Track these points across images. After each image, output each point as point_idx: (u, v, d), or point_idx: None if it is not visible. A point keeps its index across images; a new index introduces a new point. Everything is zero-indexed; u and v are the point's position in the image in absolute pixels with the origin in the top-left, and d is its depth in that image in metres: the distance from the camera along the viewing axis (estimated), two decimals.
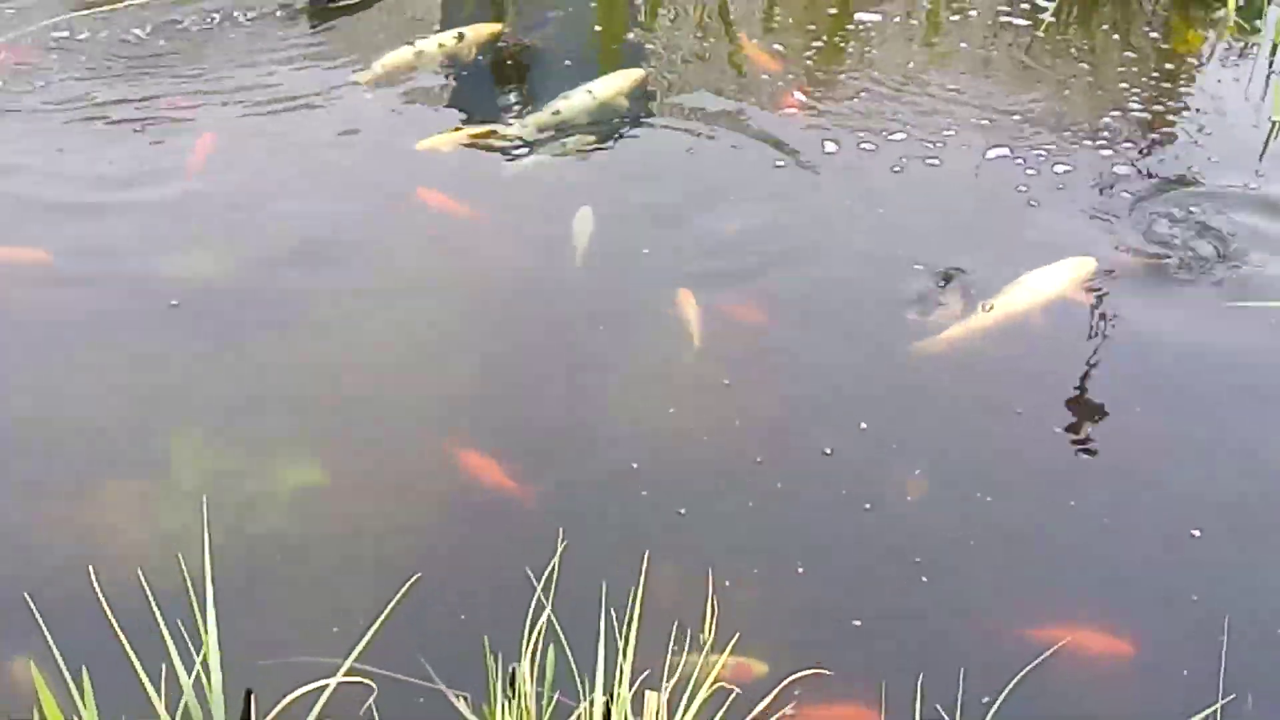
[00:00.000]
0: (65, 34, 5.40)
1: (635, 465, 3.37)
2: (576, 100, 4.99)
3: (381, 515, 3.25)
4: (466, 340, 3.87)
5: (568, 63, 5.41)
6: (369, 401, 3.62)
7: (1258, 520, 3.27)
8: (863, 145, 4.74)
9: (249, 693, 2.66)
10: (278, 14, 5.66)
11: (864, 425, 3.49)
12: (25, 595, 2.67)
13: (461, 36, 5.50)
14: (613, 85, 5.11)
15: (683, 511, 3.24)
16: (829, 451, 3.41)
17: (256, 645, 2.82)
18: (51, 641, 2.45)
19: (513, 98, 5.20)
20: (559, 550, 2.77)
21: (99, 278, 4.01)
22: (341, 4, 5.77)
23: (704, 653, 2.63)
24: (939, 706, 2.66)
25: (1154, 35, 5.66)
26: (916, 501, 3.28)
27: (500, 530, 3.20)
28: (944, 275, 4.04)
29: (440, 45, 5.45)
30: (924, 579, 3.08)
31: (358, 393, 3.65)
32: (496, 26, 5.68)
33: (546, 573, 2.68)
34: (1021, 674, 2.71)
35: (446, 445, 3.43)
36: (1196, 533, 3.19)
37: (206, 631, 2.50)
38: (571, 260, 4.16)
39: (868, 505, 3.27)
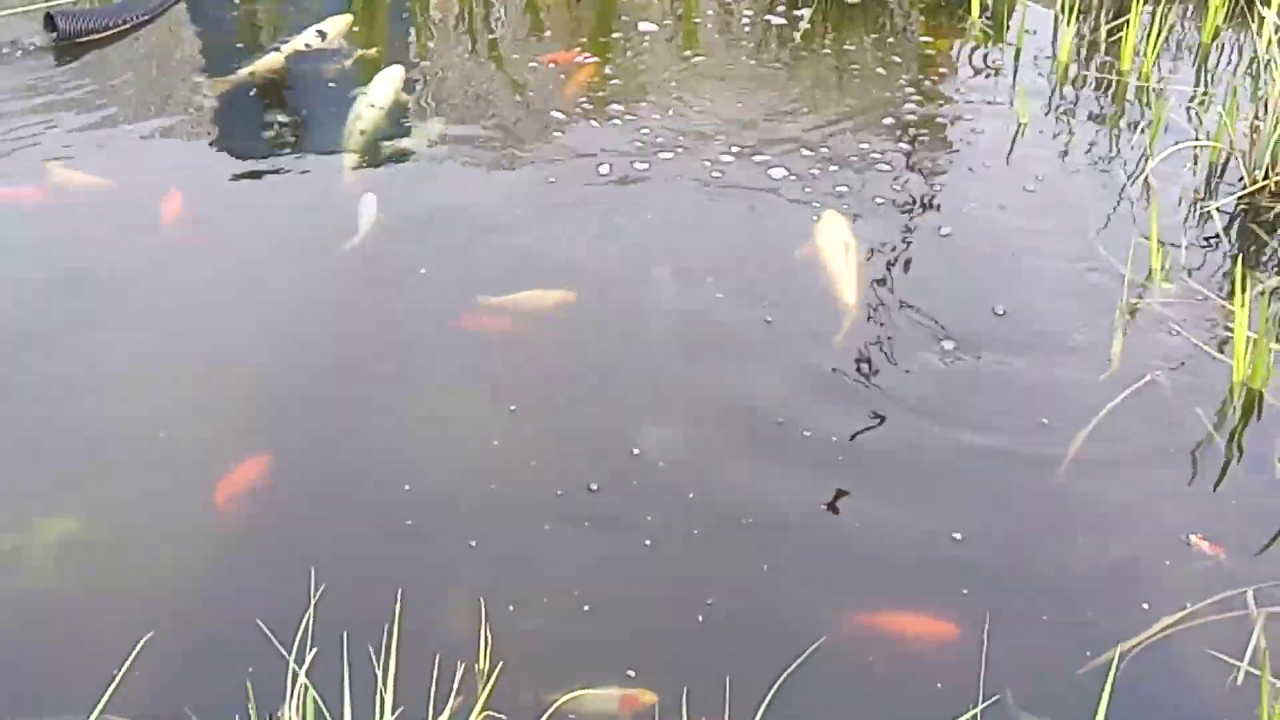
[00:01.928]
0: None
1: (400, 499, 3.34)
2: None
3: (140, 566, 3.15)
4: (232, 378, 3.79)
5: (332, 84, 5.35)
6: (129, 448, 3.51)
7: None
8: (635, 164, 4.79)
9: None
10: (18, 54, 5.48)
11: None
12: None
13: (322, 34, 5.56)
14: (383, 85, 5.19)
15: (473, 543, 3.22)
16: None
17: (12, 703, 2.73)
18: None
19: (279, 118, 5.12)
20: (314, 595, 2.74)
21: None
22: (89, 39, 5.61)
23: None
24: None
25: (907, 42, 5.86)
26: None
27: (258, 576, 3.14)
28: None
29: (306, 45, 5.51)
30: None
31: (114, 439, 3.54)
32: (348, 16, 5.73)
33: (306, 617, 2.65)
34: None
35: (209, 490, 3.35)
36: None
37: None
38: (351, 241, 4.21)
39: (648, 542, 3.30)
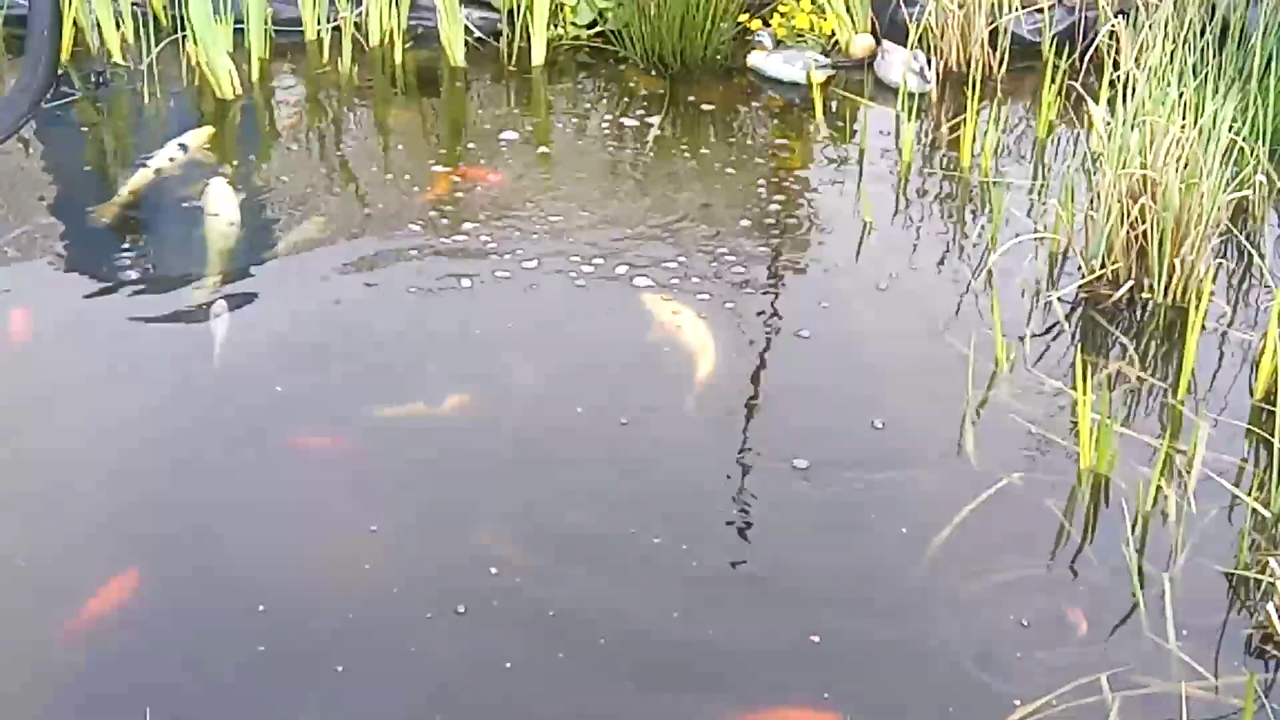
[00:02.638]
0: None
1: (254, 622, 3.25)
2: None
3: None
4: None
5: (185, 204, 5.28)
6: None
7: None
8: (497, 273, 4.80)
9: None
10: None
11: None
12: None
13: (184, 147, 5.54)
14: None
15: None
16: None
17: None
18: None
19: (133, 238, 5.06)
20: None
21: None
22: None
23: None
24: None
25: (756, 145, 5.97)
26: None
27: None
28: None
29: (171, 159, 5.48)
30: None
31: None
32: (209, 129, 5.73)
33: None
34: None
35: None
36: None
37: None
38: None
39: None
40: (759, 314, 4.60)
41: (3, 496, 3.71)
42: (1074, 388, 4.01)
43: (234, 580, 3.42)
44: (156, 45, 6.19)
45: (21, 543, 3.54)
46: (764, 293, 4.73)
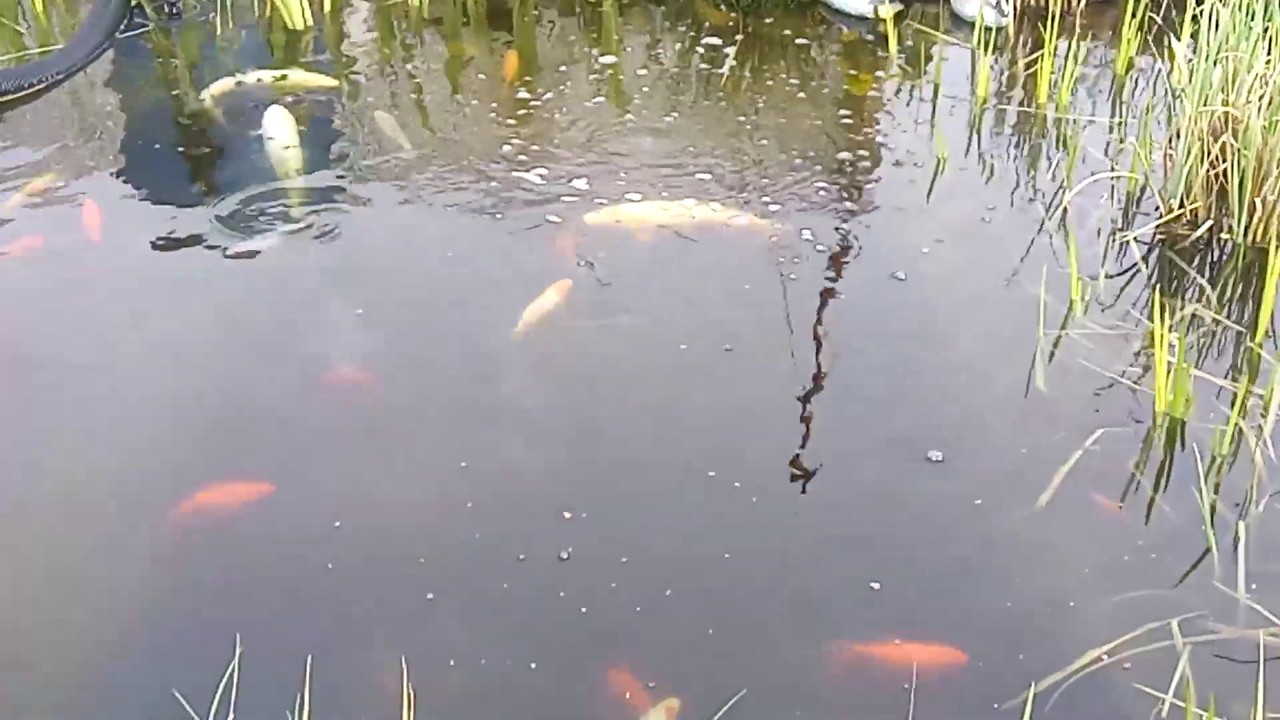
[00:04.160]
0: None
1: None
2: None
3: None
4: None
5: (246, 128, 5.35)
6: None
7: None
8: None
9: None
10: None
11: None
12: None
13: (285, 76, 5.70)
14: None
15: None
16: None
17: None
18: None
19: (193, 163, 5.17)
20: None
21: None
22: (10, 97, 5.57)
23: None
24: None
25: (829, 80, 5.90)
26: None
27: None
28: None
29: (259, 80, 5.67)
30: None
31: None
32: (331, 82, 5.76)
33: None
34: None
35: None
36: None
37: None
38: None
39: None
40: (830, 247, 4.56)
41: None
42: (1150, 330, 3.95)
43: (326, 498, 3.48)
44: None
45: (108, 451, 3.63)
46: (835, 228, 4.69)
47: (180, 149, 5.34)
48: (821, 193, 4.90)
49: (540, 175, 4.99)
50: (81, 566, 3.29)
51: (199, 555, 3.31)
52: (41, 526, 3.42)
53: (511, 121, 5.41)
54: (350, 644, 3.03)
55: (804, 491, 3.54)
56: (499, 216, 4.74)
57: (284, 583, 3.24)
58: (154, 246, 4.58)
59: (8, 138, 5.31)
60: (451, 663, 2.99)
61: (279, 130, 5.23)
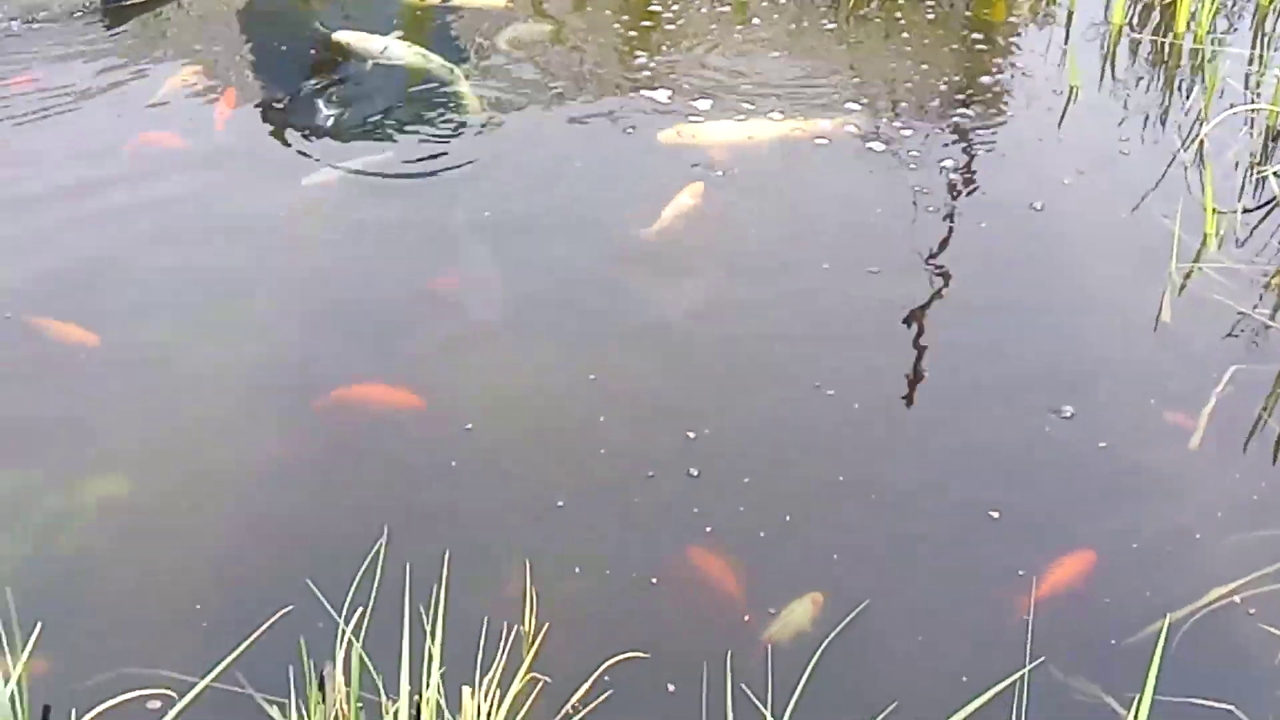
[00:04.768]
0: None
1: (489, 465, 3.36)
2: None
3: (186, 527, 3.19)
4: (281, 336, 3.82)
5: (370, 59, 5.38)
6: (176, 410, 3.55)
7: None
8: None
9: (46, 709, 2.62)
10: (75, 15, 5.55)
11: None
12: None
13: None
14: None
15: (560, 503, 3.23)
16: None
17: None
18: None
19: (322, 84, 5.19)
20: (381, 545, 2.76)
21: None
22: (133, 3, 5.67)
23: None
24: None
25: (962, 6, 5.80)
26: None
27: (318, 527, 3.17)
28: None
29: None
30: None
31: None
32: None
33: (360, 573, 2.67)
34: None
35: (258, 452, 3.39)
36: None
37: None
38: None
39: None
40: (959, 176, 4.51)
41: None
42: None
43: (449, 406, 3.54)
44: None
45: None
46: (971, 155, 4.63)
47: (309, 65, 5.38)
48: (956, 118, 4.83)
49: (666, 95, 4.99)
50: (231, 449, 3.41)
51: (338, 454, 3.39)
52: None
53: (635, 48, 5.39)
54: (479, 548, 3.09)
55: (930, 415, 3.53)
56: (629, 130, 4.75)
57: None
58: (299, 152, 4.67)
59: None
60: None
61: (401, 50, 5.32)
